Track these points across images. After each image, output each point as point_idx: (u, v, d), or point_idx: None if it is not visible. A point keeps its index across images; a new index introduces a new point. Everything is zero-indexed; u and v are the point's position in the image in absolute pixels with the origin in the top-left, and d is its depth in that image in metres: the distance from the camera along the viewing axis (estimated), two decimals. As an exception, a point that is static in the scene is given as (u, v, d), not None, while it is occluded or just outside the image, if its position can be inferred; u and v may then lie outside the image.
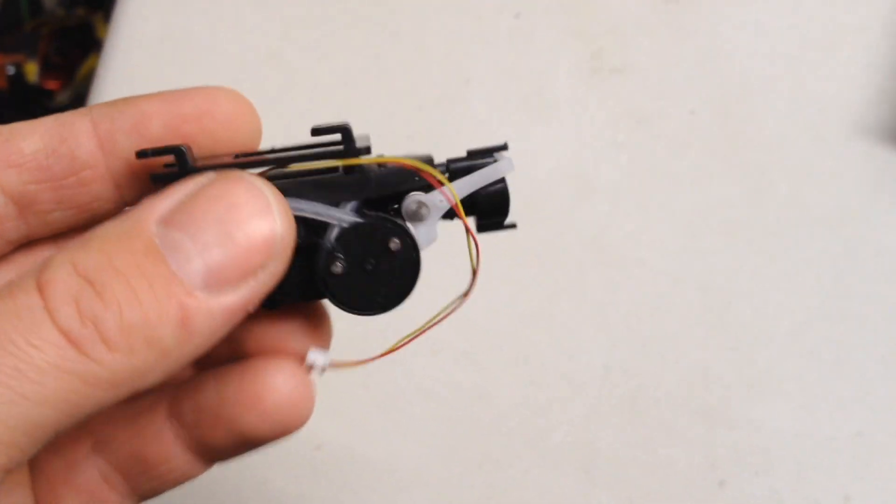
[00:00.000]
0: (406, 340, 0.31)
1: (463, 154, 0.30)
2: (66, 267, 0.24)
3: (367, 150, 0.28)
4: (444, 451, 0.52)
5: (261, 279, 0.25)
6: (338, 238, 0.28)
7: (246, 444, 0.30)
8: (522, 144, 0.56)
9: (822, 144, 0.55)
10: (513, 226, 0.31)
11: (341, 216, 0.28)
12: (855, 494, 0.50)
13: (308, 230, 0.28)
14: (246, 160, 0.28)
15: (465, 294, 0.30)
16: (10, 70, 1.18)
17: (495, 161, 0.29)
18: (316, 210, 0.28)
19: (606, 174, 0.56)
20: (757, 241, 0.54)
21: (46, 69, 1.19)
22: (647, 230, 0.55)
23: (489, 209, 0.30)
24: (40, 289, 0.24)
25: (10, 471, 0.23)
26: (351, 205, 0.28)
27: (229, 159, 0.29)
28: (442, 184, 0.28)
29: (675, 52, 0.57)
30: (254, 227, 0.25)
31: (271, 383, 0.29)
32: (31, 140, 0.29)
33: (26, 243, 0.31)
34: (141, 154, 0.27)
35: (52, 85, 1.19)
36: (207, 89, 0.30)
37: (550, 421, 0.52)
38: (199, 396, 0.31)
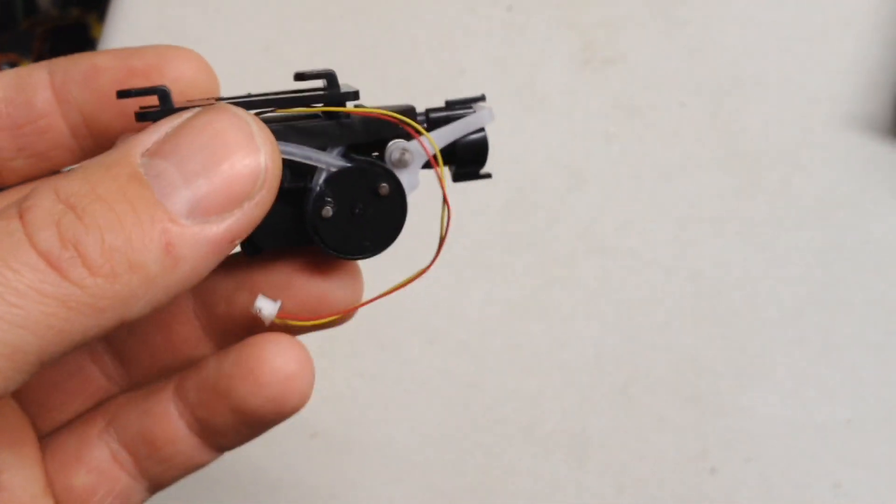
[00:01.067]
0: (366, 302, 0.31)
1: (441, 104, 0.30)
2: (47, 194, 0.24)
3: (356, 95, 0.29)
4: (437, 439, 0.52)
5: (247, 210, 0.25)
6: (327, 181, 0.28)
7: (244, 422, 0.30)
8: (515, 135, 0.57)
9: (812, 136, 0.56)
10: (488, 175, 0.31)
11: (330, 160, 0.28)
12: (845, 481, 0.50)
13: (294, 174, 0.28)
14: (229, 101, 0.28)
15: (431, 262, 0.30)
16: (5, 68, 1.17)
17: (474, 111, 0.30)
18: (305, 153, 0.28)
19: (598, 165, 0.56)
20: (747, 231, 0.54)
21: (41, 68, 1.18)
22: (638, 221, 0.55)
23: (467, 157, 0.30)
24: (21, 215, 0.23)
25: None
26: (337, 149, 0.29)
27: (211, 101, 0.28)
28: (421, 135, 0.29)
29: (666, 44, 0.58)
30: (239, 155, 0.25)
31: (266, 356, 0.29)
32: None
33: None
34: (122, 94, 0.27)
35: (46, 84, 1.19)
36: (160, 47, 0.30)
37: (542, 409, 0.52)
38: (200, 373, 0.31)
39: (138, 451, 0.31)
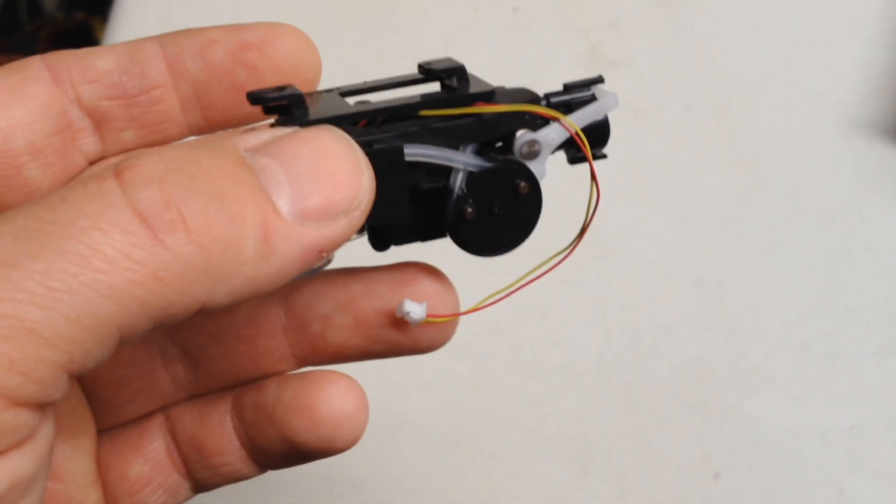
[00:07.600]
0: (506, 294, 0.32)
1: (559, 88, 0.30)
2: (150, 157, 0.22)
3: (491, 95, 0.28)
4: (438, 442, 0.52)
5: (342, 224, 0.24)
6: (467, 183, 0.28)
7: (291, 451, 0.30)
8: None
9: (816, 140, 0.56)
10: (604, 156, 0.31)
11: (467, 160, 0.28)
12: (849, 488, 0.50)
13: (430, 175, 0.28)
14: (358, 110, 0.27)
15: (573, 247, 0.31)
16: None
17: (593, 95, 0.29)
18: (445, 155, 0.27)
19: (602, 167, 0.56)
20: (751, 235, 0.54)
21: (45, 71, 1.19)
22: (642, 223, 0.55)
23: (591, 142, 0.30)
24: (118, 174, 0.22)
25: (72, 373, 0.21)
26: (470, 147, 0.28)
27: (335, 96, 0.29)
28: (558, 118, 0.28)
29: (671, 47, 0.58)
30: (344, 168, 0.24)
31: (325, 396, 0.29)
32: (105, 59, 0.29)
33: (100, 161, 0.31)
34: (255, 99, 0.26)
35: (50, 86, 1.19)
36: (269, 23, 0.31)
37: (544, 412, 0.52)
38: (259, 395, 0.31)
39: (189, 454, 0.31)
